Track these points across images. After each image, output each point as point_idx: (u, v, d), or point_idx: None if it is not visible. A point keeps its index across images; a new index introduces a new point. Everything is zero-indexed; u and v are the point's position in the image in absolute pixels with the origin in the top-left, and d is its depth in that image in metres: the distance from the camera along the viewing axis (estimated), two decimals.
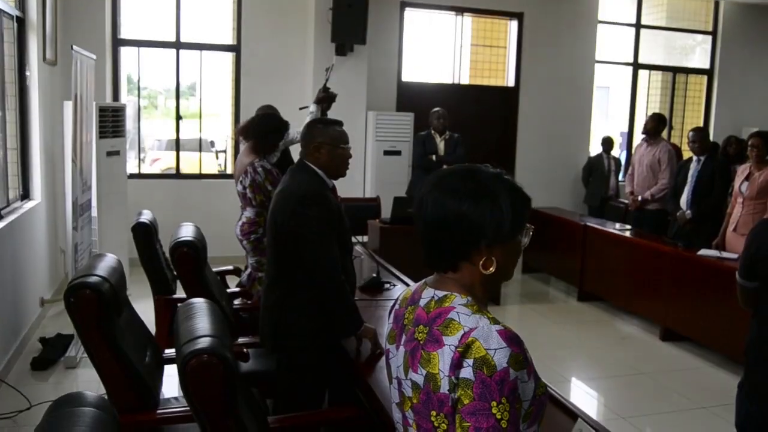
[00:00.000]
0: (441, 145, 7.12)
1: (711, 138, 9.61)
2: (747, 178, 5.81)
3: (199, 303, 2.47)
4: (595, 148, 9.59)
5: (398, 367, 1.59)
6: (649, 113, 8.08)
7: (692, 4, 10.27)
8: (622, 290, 6.60)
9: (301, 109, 5.65)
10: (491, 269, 1.52)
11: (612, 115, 14.73)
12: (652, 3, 10.09)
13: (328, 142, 3.05)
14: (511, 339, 1.40)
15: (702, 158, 6.40)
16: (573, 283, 7.36)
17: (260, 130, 4.54)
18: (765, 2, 9.95)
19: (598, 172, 8.99)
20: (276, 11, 7.99)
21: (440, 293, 1.54)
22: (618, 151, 10.10)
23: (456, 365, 1.40)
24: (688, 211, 6.41)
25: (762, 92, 10.50)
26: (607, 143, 9.12)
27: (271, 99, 5.89)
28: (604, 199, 8.80)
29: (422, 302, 1.57)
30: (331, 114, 5.00)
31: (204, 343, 2.06)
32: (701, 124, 10.18)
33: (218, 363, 1.99)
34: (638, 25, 9.95)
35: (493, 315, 1.49)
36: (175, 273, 3.95)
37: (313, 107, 5.29)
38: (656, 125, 7.13)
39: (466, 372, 1.38)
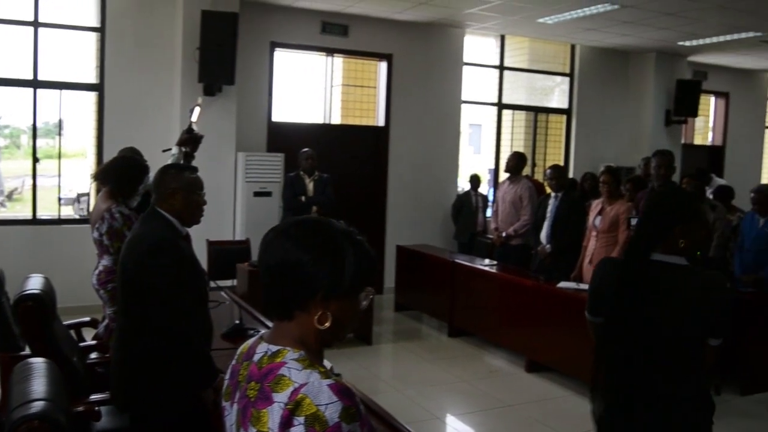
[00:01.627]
0: (310, 185, 7.12)
1: (571, 174, 10.15)
2: (600, 213, 6.15)
3: (37, 363, 2.34)
4: (464, 185, 9.87)
5: (231, 425, 1.56)
6: (513, 151, 8.43)
7: (551, 48, 10.86)
8: (489, 324, 6.75)
9: (164, 151, 5.48)
10: (326, 324, 1.52)
11: (483, 152, 15.26)
12: (515, 46, 10.58)
13: (183, 188, 2.99)
14: (343, 392, 1.40)
15: (559, 194, 6.71)
16: (444, 320, 7.44)
17: (117, 175, 4.39)
18: (615, 47, 10.66)
19: (466, 208, 9.22)
20: (141, 49, 7.77)
21: (273, 348, 1.53)
22: (486, 188, 10.44)
23: (285, 423, 1.38)
24: (548, 246, 6.69)
25: (615, 129, 11.20)
26: (475, 180, 9.40)
27: (135, 140, 5.71)
28: (473, 235, 9.03)
29: (256, 357, 1.55)
30: (199, 155, 4.91)
31: (36, 407, 1.95)
32: (562, 161, 10.72)
33: (49, 429, 1.88)
34: (501, 67, 10.39)
35: (328, 368, 1.49)
36: None
37: (175, 149, 5.15)
38: (517, 163, 7.43)
39: (297, 430, 1.37)
